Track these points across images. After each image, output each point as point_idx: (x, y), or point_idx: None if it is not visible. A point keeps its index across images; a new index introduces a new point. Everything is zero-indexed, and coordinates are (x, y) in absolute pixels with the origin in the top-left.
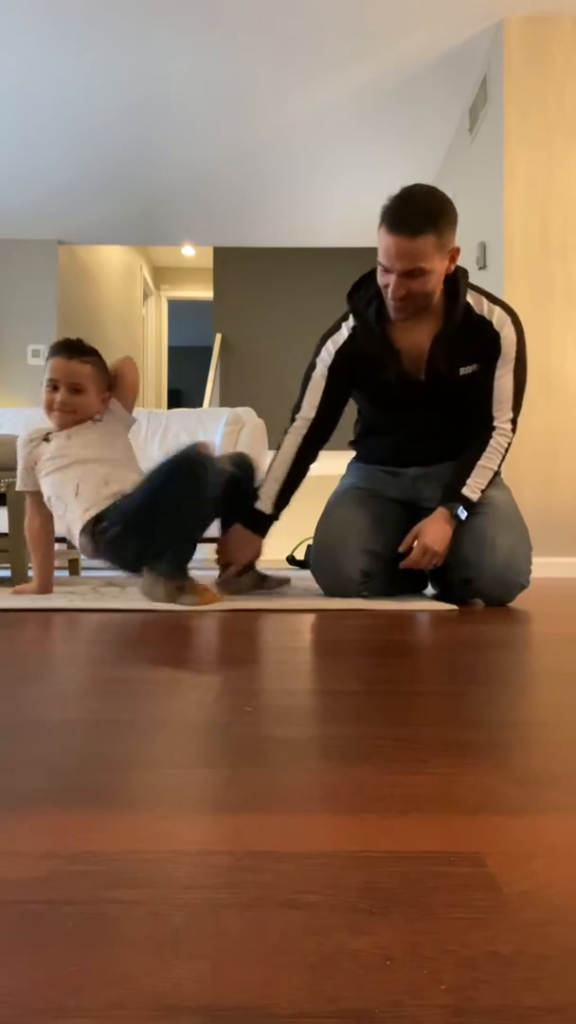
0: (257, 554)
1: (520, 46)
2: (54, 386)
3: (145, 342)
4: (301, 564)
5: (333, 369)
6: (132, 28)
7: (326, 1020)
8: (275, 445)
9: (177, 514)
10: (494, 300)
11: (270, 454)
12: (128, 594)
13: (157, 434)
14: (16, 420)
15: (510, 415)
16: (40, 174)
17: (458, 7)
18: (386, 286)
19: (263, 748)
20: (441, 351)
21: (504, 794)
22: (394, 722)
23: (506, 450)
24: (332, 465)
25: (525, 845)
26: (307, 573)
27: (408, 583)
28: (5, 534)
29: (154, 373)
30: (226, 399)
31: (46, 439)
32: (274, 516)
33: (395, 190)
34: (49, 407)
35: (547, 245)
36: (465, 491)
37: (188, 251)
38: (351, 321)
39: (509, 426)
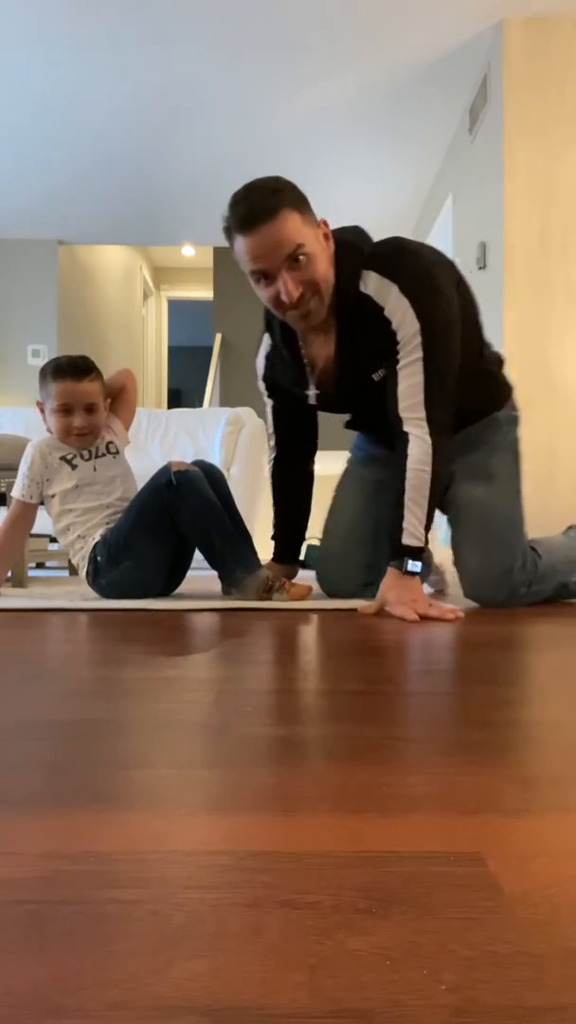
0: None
1: (520, 46)
2: (66, 410)
3: (145, 342)
4: (303, 564)
5: (269, 386)
6: (132, 29)
7: (326, 1020)
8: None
9: (192, 526)
10: (392, 268)
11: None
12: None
13: (157, 434)
14: (16, 420)
15: (420, 415)
16: (40, 174)
17: (458, 7)
18: (275, 297)
19: (263, 748)
20: (344, 363)
21: (504, 794)
22: (394, 722)
23: (433, 459)
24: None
25: (525, 845)
26: (308, 573)
27: None
28: None
29: (154, 373)
30: (226, 399)
31: (71, 463)
32: (296, 560)
33: (395, 190)
34: (67, 432)
35: (547, 245)
36: (405, 540)
37: (188, 251)
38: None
39: (425, 429)
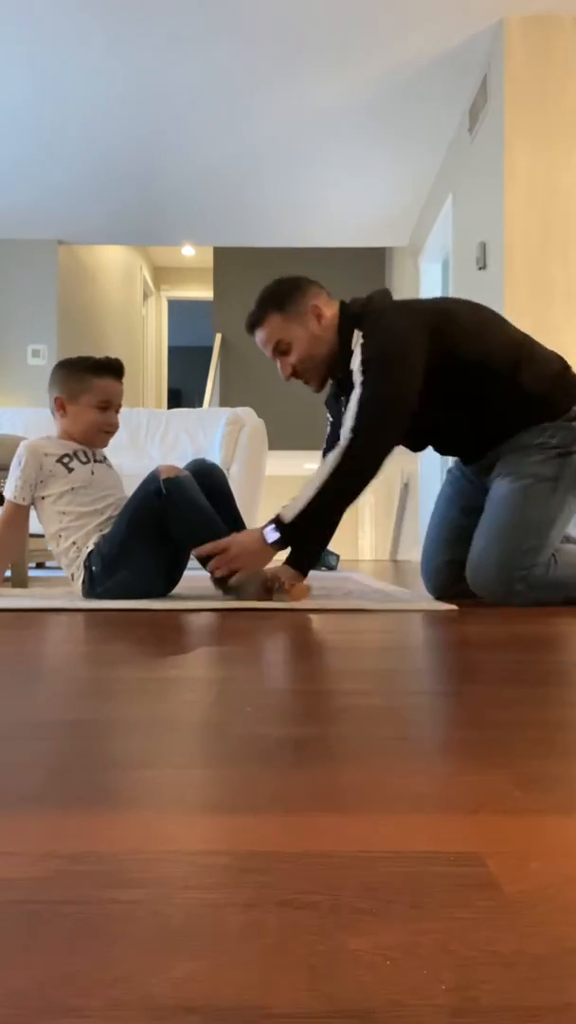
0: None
1: (520, 46)
2: (105, 407)
3: (145, 342)
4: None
5: (329, 409)
6: (132, 29)
7: (326, 1020)
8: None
9: (183, 532)
10: (364, 323)
11: (270, 454)
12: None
13: (157, 434)
14: (16, 420)
15: (347, 430)
16: (40, 174)
17: (458, 7)
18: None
19: (263, 748)
20: (346, 402)
21: (504, 794)
22: (394, 722)
23: (335, 468)
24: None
25: (525, 845)
26: (311, 573)
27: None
28: None
29: (154, 373)
30: (226, 399)
31: (67, 465)
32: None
33: (395, 190)
34: (99, 429)
35: (547, 245)
36: (281, 510)
37: (188, 251)
38: None
39: (344, 440)
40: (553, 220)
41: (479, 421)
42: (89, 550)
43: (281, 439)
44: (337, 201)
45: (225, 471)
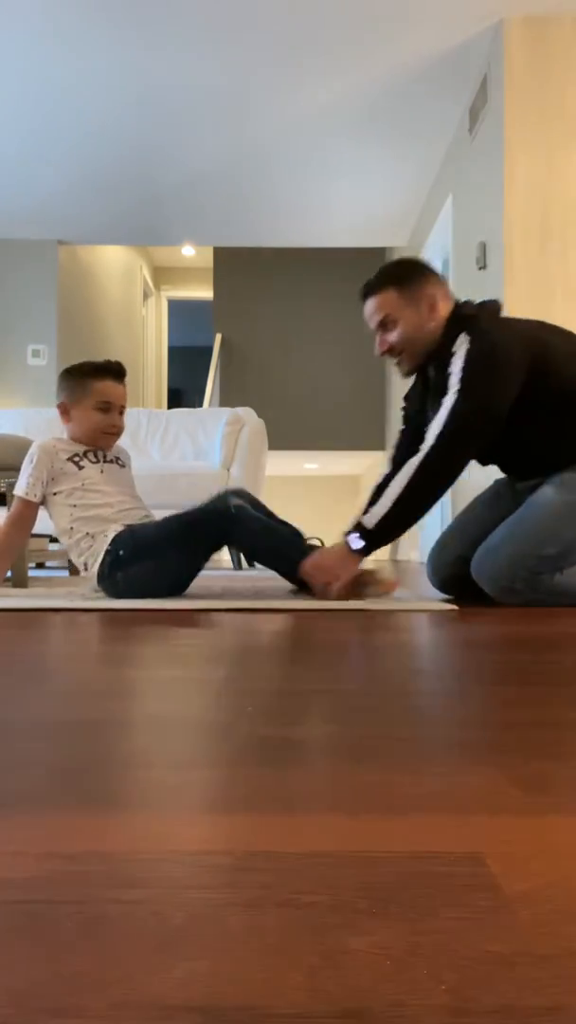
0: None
1: (520, 46)
2: (105, 409)
3: (145, 342)
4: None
5: (405, 411)
6: (132, 29)
7: (326, 1020)
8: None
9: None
10: (472, 329)
11: (270, 454)
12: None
13: (157, 434)
14: (16, 420)
15: (433, 436)
16: (40, 174)
17: (458, 7)
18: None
19: (263, 748)
20: (433, 401)
21: (504, 794)
22: (394, 722)
23: (417, 473)
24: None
25: (525, 845)
26: None
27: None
28: None
29: (154, 373)
30: (226, 399)
31: (77, 464)
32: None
33: (395, 190)
34: (101, 430)
35: (547, 245)
36: (363, 518)
37: (188, 251)
38: None
39: (428, 445)
40: (553, 220)
41: (550, 447)
42: (118, 531)
43: (281, 439)
44: (337, 201)
45: (225, 471)
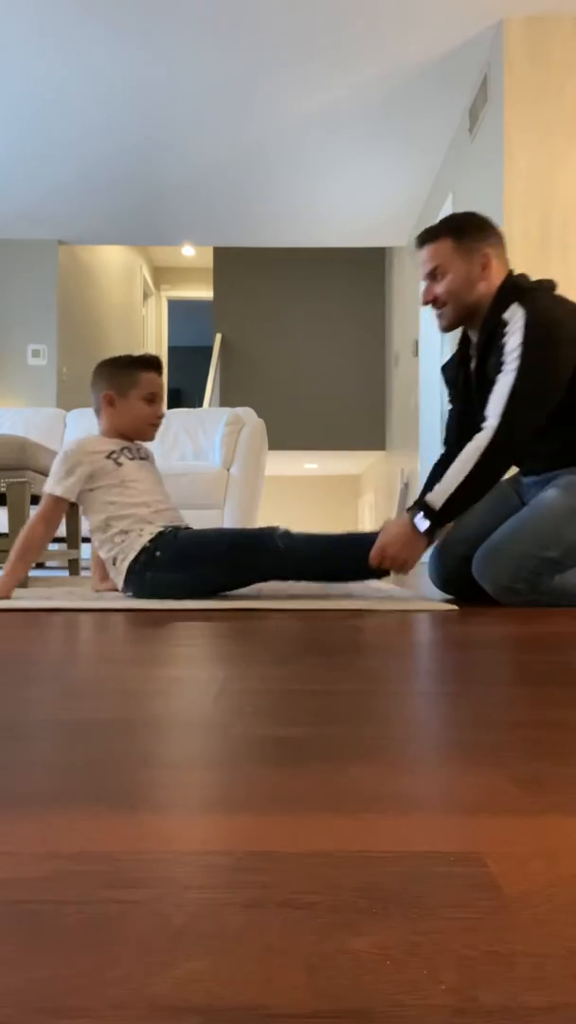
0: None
1: (520, 46)
2: (152, 400)
3: (145, 342)
4: None
5: (447, 383)
6: (132, 29)
7: (326, 1020)
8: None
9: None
10: (528, 299)
11: (270, 454)
12: (127, 593)
13: (157, 434)
14: (16, 420)
15: (496, 414)
16: (40, 174)
17: (458, 7)
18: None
19: (263, 748)
20: (477, 367)
21: (504, 794)
22: (394, 722)
23: (484, 452)
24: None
25: (525, 845)
26: None
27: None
28: (5, 534)
29: None
30: (226, 399)
31: (116, 461)
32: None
33: (395, 190)
34: (148, 421)
35: (547, 244)
36: (428, 496)
37: (188, 251)
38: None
39: (493, 423)
40: (553, 219)
41: (570, 440)
42: (159, 531)
43: (281, 439)
44: (337, 201)
45: (225, 471)
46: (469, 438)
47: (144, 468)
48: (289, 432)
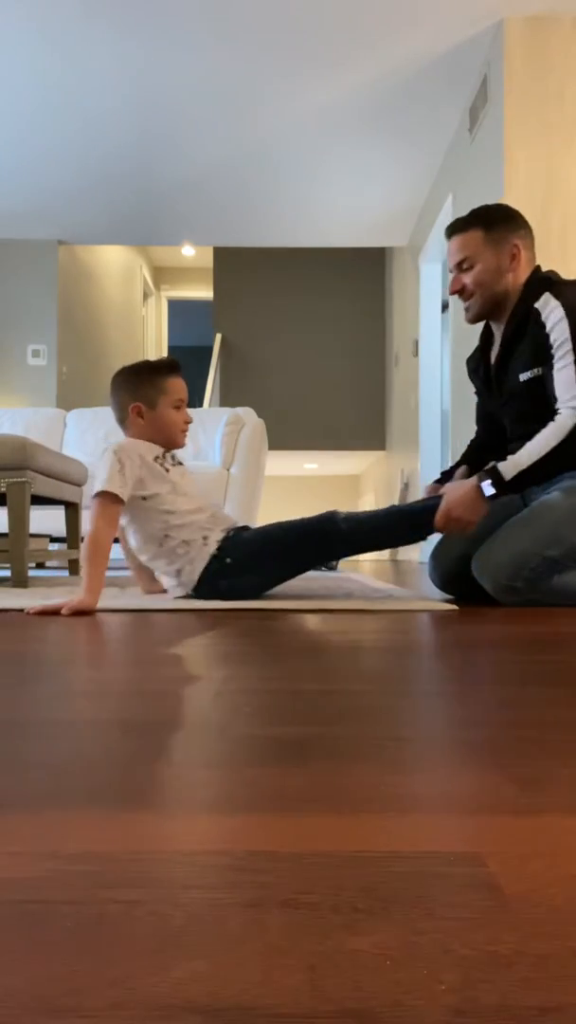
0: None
1: (520, 46)
2: (179, 406)
3: (145, 342)
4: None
5: (470, 372)
6: (132, 29)
7: (326, 1020)
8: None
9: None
10: (559, 290)
11: (270, 454)
12: (128, 594)
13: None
14: (16, 420)
15: (572, 403)
16: (40, 174)
17: (458, 7)
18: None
19: (263, 748)
20: (500, 353)
21: (504, 794)
22: (394, 722)
23: (565, 440)
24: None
25: (525, 845)
26: (308, 572)
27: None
28: (5, 534)
29: None
30: (226, 399)
31: (163, 466)
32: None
33: (395, 190)
34: (183, 428)
35: (547, 244)
36: (501, 466)
37: (188, 251)
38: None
39: (570, 412)
40: (553, 220)
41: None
42: (222, 537)
43: (281, 439)
44: (337, 201)
45: (225, 471)
46: (497, 427)
47: (185, 475)
48: (289, 432)
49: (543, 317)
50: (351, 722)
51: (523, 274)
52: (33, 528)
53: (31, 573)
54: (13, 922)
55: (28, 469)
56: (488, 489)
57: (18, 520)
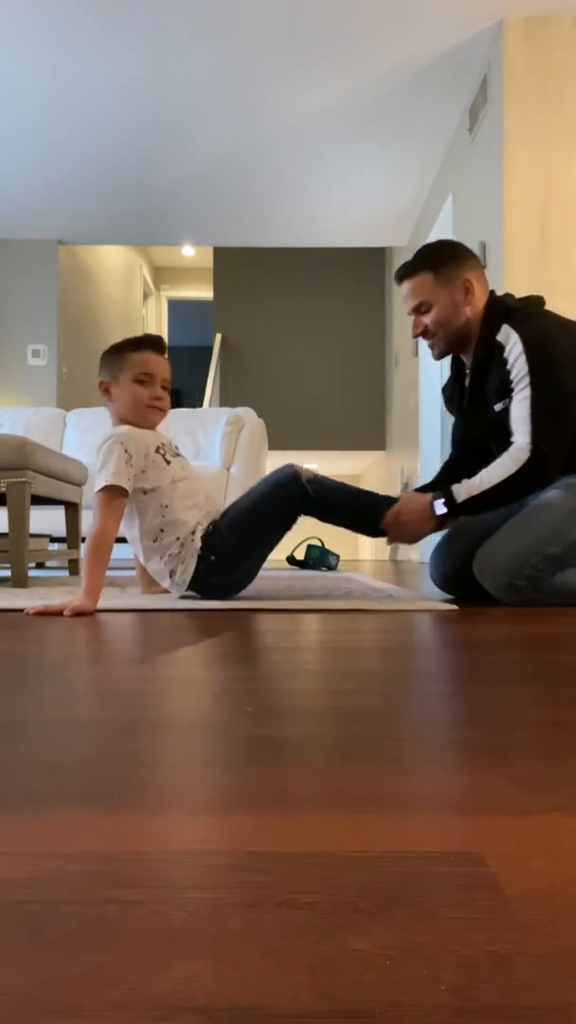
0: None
1: (520, 46)
2: (144, 381)
3: None
4: (301, 564)
5: (446, 401)
6: (132, 29)
7: (326, 1020)
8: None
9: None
10: (518, 320)
11: (271, 454)
12: (128, 594)
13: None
14: (16, 420)
15: (525, 437)
16: (40, 174)
17: (458, 7)
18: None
19: (263, 748)
20: (472, 386)
21: (504, 794)
22: (394, 722)
23: (520, 468)
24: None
25: (525, 845)
26: (308, 572)
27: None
28: (5, 534)
29: None
30: (226, 399)
31: (164, 457)
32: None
33: (395, 190)
34: (149, 403)
35: (547, 245)
36: (455, 487)
37: (188, 251)
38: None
39: (524, 442)
40: (553, 220)
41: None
42: (206, 530)
43: (281, 439)
44: (337, 201)
45: (225, 471)
46: (474, 451)
47: (185, 466)
48: (289, 432)
49: (505, 352)
50: (351, 722)
51: (479, 304)
52: (33, 528)
53: (31, 573)
54: (13, 922)
55: (28, 469)
56: (439, 508)
57: (18, 520)
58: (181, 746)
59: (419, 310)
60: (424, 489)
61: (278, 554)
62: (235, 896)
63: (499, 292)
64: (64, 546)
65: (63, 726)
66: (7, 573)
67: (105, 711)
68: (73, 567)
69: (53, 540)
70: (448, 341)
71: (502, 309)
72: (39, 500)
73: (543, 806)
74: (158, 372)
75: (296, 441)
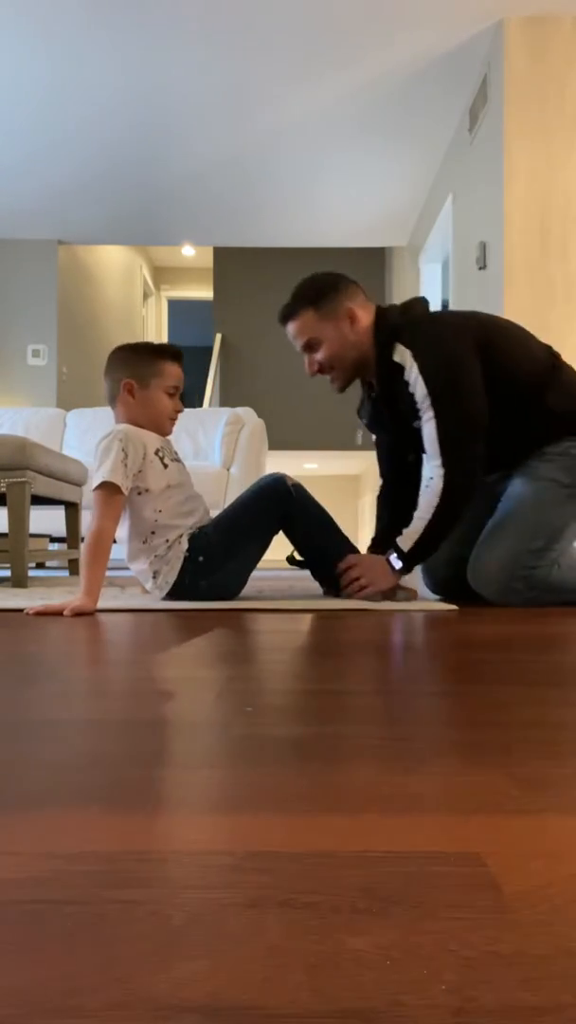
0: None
1: (520, 46)
2: (173, 394)
3: None
4: (301, 564)
5: (366, 423)
6: (132, 29)
7: (326, 1020)
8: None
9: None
10: (408, 337)
11: (270, 454)
12: (128, 594)
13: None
14: (16, 420)
15: (437, 461)
16: (40, 174)
17: (458, 7)
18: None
19: (263, 748)
20: (392, 415)
21: (504, 794)
22: (394, 722)
23: (442, 496)
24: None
25: (525, 845)
26: (307, 573)
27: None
28: (5, 534)
29: None
30: (226, 399)
31: (162, 460)
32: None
33: (395, 190)
34: (168, 416)
35: (547, 245)
36: (399, 540)
37: (188, 251)
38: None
39: (439, 472)
40: (553, 220)
41: (505, 437)
42: (192, 533)
43: (281, 439)
44: (337, 201)
45: (225, 471)
46: (402, 466)
47: (183, 472)
48: (289, 432)
49: (405, 375)
50: (351, 722)
51: (367, 327)
52: (33, 528)
53: (31, 573)
54: (13, 922)
55: (28, 469)
56: (396, 562)
57: (18, 520)
58: (181, 746)
59: (310, 347)
60: (374, 544)
61: (278, 554)
62: (235, 896)
63: (499, 292)
64: (64, 546)
65: (63, 726)
66: (7, 573)
67: (105, 711)
68: (73, 567)
69: (53, 540)
70: (346, 373)
71: (388, 329)
72: (39, 500)
73: (543, 806)
74: (182, 386)
75: (296, 441)
